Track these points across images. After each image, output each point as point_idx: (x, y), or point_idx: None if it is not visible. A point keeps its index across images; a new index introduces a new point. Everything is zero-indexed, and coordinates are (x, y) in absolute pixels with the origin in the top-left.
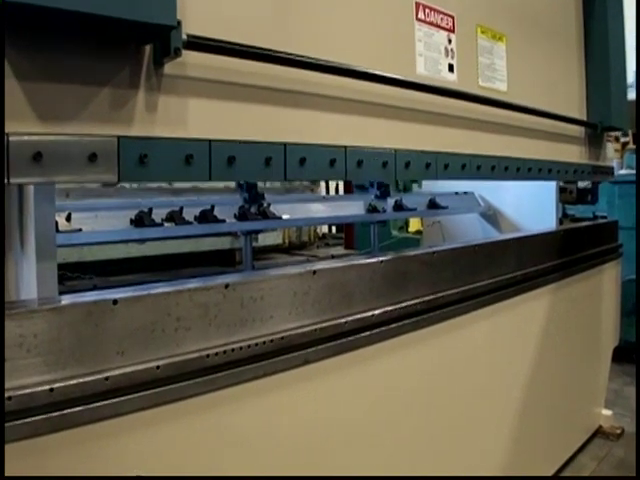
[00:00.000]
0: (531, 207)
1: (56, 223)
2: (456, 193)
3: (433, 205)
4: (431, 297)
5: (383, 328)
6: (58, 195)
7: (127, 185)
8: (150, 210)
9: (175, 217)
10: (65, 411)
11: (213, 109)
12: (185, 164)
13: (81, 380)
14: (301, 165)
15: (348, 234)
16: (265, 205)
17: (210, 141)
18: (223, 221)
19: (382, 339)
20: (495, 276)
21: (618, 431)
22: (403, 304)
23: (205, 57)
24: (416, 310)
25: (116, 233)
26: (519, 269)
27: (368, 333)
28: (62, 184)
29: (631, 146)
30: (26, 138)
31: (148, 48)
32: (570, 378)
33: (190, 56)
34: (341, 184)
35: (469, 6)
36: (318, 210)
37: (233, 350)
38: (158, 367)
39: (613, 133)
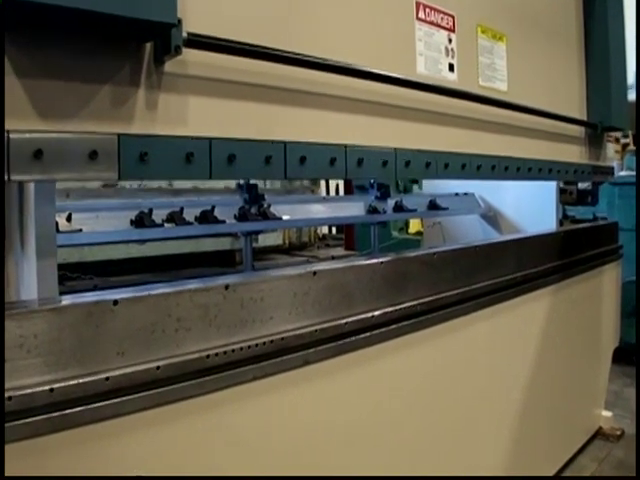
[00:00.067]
0: (531, 208)
1: (56, 223)
2: (456, 194)
3: (433, 206)
4: (431, 298)
5: (383, 329)
6: (58, 195)
7: (127, 185)
8: (150, 211)
9: (175, 218)
10: (65, 411)
11: (213, 107)
12: (185, 162)
13: (81, 380)
14: (301, 164)
15: (348, 235)
16: (265, 206)
17: (210, 139)
18: (223, 222)
19: (382, 340)
20: (495, 277)
21: (618, 432)
22: (403, 305)
23: (205, 55)
24: (416, 311)
25: (116, 233)
26: (519, 270)
27: (368, 334)
28: (63, 184)
29: (631, 147)
30: (27, 135)
31: (148, 46)
32: (570, 379)
33: (191, 54)
34: (341, 185)
35: (469, 6)
36: (318, 211)
37: (233, 351)
38: (158, 367)
39: (613, 134)
